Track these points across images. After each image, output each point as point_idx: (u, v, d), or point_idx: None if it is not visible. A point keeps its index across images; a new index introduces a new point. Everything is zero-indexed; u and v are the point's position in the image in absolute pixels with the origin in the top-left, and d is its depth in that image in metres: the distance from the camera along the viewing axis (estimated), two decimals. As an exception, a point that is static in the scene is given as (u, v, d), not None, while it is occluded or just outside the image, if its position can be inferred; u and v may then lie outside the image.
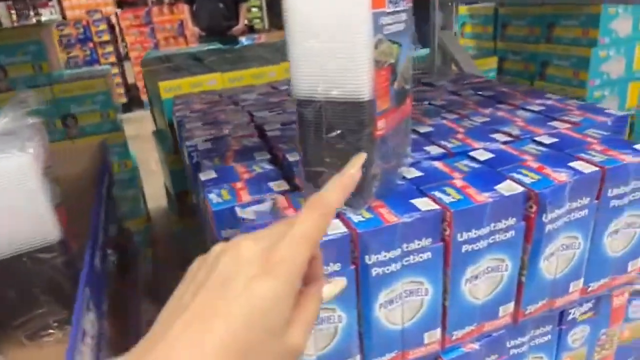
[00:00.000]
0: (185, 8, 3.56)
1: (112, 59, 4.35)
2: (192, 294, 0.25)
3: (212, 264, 0.26)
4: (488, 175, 0.64)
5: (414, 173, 0.66)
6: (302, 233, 0.27)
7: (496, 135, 0.77)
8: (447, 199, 0.58)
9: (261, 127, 0.92)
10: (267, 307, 0.24)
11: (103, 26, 4.32)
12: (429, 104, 1.00)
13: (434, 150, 0.74)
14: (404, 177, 0.65)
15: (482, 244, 0.59)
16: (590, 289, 0.72)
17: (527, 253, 0.64)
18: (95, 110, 1.83)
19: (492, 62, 2.10)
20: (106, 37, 4.33)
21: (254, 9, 7.18)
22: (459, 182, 0.62)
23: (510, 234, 0.61)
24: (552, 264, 0.66)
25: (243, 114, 1.03)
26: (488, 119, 0.86)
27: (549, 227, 0.62)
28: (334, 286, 0.30)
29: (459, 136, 0.79)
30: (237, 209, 0.61)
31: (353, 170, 0.32)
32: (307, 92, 0.53)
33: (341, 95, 0.50)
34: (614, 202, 0.66)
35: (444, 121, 0.87)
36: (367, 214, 0.56)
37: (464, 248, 0.59)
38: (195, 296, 0.24)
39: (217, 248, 0.28)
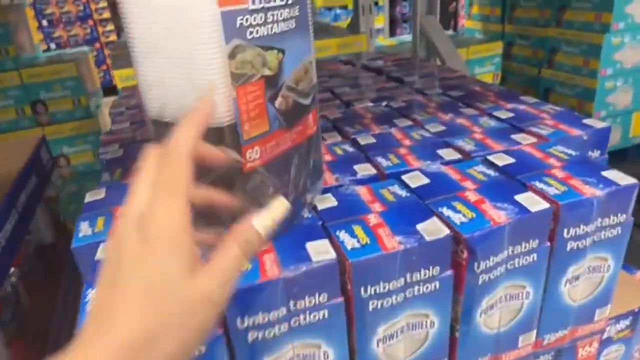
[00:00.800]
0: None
1: (113, 37, 4.25)
2: (96, 292, 0.25)
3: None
4: (413, 208, 0.52)
5: (327, 202, 0.55)
6: (167, 189, 0.25)
7: (444, 152, 0.65)
8: (349, 243, 0.47)
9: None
10: (158, 281, 0.23)
11: (103, 3, 4.21)
12: (386, 105, 0.87)
13: (365, 170, 0.62)
14: (314, 208, 0.54)
15: (396, 298, 0.48)
16: (546, 341, 0.60)
17: (460, 305, 0.52)
18: (67, 97, 1.74)
19: (497, 48, 1.93)
20: (106, 14, 4.23)
21: None
22: (373, 219, 0.50)
23: (434, 285, 0.49)
24: (493, 316, 0.54)
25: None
26: (444, 129, 0.73)
27: (483, 277, 0.50)
28: (270, 213, 0.27)
29: (401, 151, 0.66)
30: (102, 247, 0.50)
31: (202, 103, 0.31)
32: (157, 111, 0.41)
33: (188, 120, 0.39)
34: (572, 244, 0.53)
35: (393, 130, 0.75)
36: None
37: (371, 305, 0.47)
38: (97, 295, 0.24)
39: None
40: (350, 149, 0.69)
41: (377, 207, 0.53)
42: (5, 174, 0.88)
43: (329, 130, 0.77)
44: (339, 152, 0.68)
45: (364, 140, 0.71)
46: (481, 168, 0.59)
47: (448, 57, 1.20)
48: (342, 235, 0.48)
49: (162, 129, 0.42)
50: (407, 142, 0.70)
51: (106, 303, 0.23)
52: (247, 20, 0.38)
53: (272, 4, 0.40)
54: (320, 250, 0.46)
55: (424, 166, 0.61)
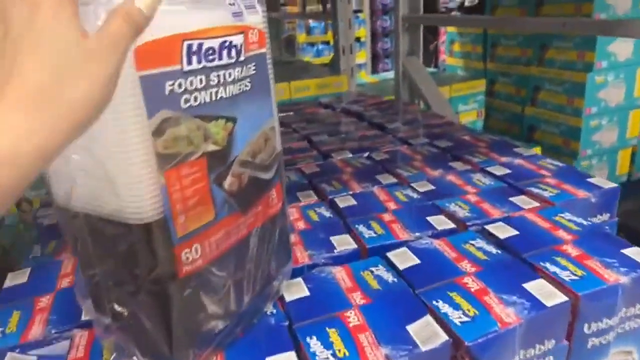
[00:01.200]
0: None
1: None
2: None
3: None
4: (403, 301, 0.43)
5: (296, 291, 0.45)
6: None
7: (435, 219, 0.56)
8: (322, 357, 0.37)
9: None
10: (51, 37, 0.22)
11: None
12: (368, 157, 0.79)
13: (343, 244, 0.52)
14: (281, 298, 0.44)
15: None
16: None
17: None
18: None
19: (480, 85, 1.90)
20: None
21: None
22: (353, 318, 0.41)
23: (429, 402, 0.39)
24: None
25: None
26: (432, 188, 0.64)
27: (490, 389, 0.40)
28: None
29: (386, 217, 0.57)
30: (9, 356, 0.39)
31: None
32: (63, 198, 0.32)
33: (98, 212, 0.29)
34: (594, 341, 0.44)
35: (376, 188, 0.66)
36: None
37: None
38: None
39: None
40: (327, 214, 0.59)
41: (358, 298, 0.43)
42: None
43: (304, 188, 0.68)
44: (314, 217, 0.59)
45: (343, 202, 0.62)
46: (480, 243, 0.50)
47: (432, 101, 1.14)
48: (314, 344, 0.38)
49: (70, 218, 0.32)
50: (391, 205, 0.61)
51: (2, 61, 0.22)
52: (180, 85, 0.29)
53: (216, 62, 0.32)
54: (284, 366, 0.36)
55: (412, 239, 0.52)
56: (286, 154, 0.84)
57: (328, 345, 0.38)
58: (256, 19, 0.35)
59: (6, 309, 0.45)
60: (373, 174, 0.71)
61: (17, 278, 0.51)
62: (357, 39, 3.08)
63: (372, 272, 0.47)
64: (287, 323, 0.41)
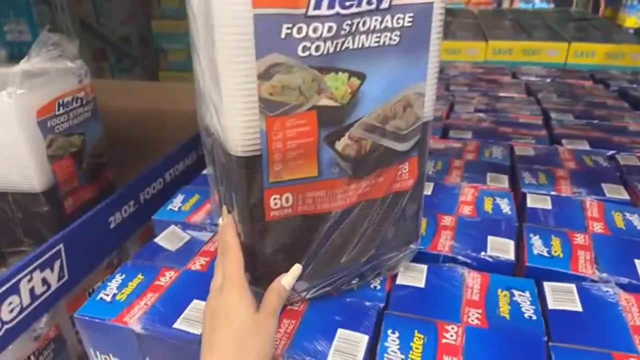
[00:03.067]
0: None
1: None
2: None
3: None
4: (516, 343, 0.34)
5: (412, 279, 0.40)
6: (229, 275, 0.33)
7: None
8: (390, 355, 0.33)
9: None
10: (235, 319, 0.32)
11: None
12: (611, 157, 0.61)
13: (497, 250, 0.43)
14: (394, 277, 0.41)
15: None
16: None
17: None
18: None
19: None
20: None
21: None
22: (451, 335, 0.35)
23: None
24: None
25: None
26: None
27: None
28: (290, 274, 0.34)
29: (577, 240, 0.44)
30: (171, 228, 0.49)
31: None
32: (201, 119, 0.35)
33: (218, 137, 0.31)
34: None
35: (589, 199, 0.51)
36: None
37: None
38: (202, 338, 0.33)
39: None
40: (504, 208, 0.50)
41: (474, 317, 0.36)
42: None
43: (500, 170, 0.58)
44: (487, 207, 0.50)
45: (535, 201, 0.51)
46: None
47: None
48: (392, 340, 0.34)
49: (207, 137, 0.36)
50: (597, 226, 0.46)
51: (206, 341, 0.32)
52: (300, 30, 0.27)
53: (353, 9, 0.28)
54: None
55: (595, 278, 0.39)
56: (505, 126, 0.72)
57: (406, 348, 0.34)
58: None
59: (191, 190, 0.55)
60: (600, 180, 0.55)
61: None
62: None
63: (511, 294, 0.38)
64: (381, 305, 0.38)
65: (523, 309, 0.37)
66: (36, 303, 0.46)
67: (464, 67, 1.06)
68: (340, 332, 0.35)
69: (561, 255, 0.42)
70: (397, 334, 0.35)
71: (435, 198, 0.52)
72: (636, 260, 0.41)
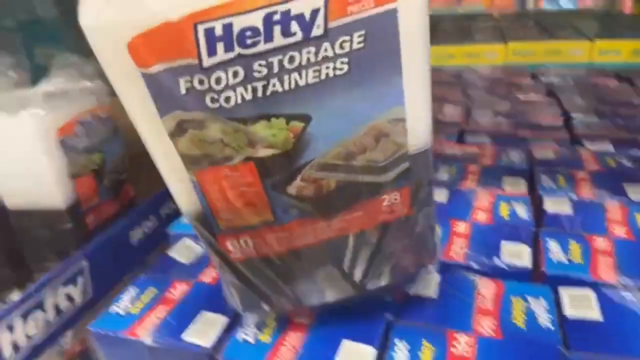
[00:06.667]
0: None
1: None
2: None
3: None
4: (531, 354, 0.32)
5: (424, 289, 0.40)
6: None
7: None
8: (400, 369, 0.32)
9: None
10: None
11: None
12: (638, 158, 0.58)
13: (512, 256, 0.42)
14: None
15: None
16: None
17: None
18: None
19: None
20: None
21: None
22: (460, 344, 0.34)
23: None
24: None
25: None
26: None
27: None
28: None
29: (598, 244, 0.43)
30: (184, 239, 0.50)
31: None
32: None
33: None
34: None
35: (610, 201, 0.49)
36: None
37: None
38: None
39: None
40: (521, 213, 0.49)
41: (487, 326, 0.35)
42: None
43: (517, 174, 0.57)
44: (504, 212, 0.49)
45: (554, 205, 0.49)
46: None
47: None
48: (399, 348, 0.34)
49: None
50: (619, 230, 0.45)
51: None
52: (201, 82, 0.25)
53: (262, 46, 0.24)
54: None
55: (615, 284, 0.38)
56: (524, 128, 0.71)
57: (415, 357, 0.33)
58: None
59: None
60: (623, 182, 0.53)
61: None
62: None
63: (526, 302, 0.37)
64: (390, 317, 0.37)
65: (537, 318, 0.36)
66: (61, 318, 0.48)
67: (482, 70, 1.05)
68: (345, 343, 0.35)
69: (581, 261, 0.41)
70: (403, 342, 0.34)
71: (449, 204, 0.51)
72: (661, 265, 0.40)
